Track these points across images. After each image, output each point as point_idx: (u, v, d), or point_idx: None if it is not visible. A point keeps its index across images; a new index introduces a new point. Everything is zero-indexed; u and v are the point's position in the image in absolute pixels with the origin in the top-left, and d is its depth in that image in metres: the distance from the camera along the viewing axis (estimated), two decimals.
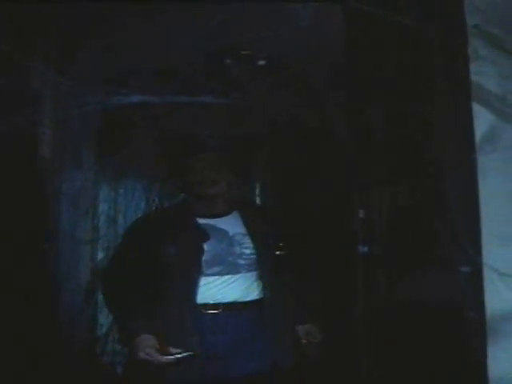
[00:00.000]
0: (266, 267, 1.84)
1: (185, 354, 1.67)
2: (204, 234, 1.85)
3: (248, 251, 1.85)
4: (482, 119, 1.14)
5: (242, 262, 1.83)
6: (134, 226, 1.99)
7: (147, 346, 1.69)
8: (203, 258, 1.82)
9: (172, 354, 1.67)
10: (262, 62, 2.40)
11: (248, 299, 1.81)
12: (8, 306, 1.75)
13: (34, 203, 2.09)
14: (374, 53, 1.43)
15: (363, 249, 1.82)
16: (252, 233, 1.88)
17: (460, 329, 1.12)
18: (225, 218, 1.91)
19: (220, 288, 1.80)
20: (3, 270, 1.75)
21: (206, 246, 1.83)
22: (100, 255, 2.71)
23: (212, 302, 1.78)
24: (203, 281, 1.80)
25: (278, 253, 1.86)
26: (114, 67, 2.34)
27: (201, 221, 1.89)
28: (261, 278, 1.83)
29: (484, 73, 1.16)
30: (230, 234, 1.87)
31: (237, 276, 1.82)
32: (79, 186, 2.61)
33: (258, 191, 3.08)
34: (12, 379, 1.66)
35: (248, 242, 1.86)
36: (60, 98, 2.28)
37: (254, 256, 1.84)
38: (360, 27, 1.44)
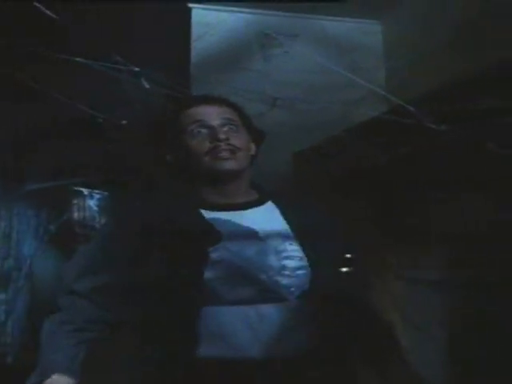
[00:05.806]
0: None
1: None
2: (211, 235, 1.13)
3: (294, 264, 1.14)
4: None
5: (284, 281, 1.12)
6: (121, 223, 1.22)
7: None
8: (208, 273, 1.09)
9: None
10: None
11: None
12: None
13: None
14: None
15: None
16: (301, 235, 1.17)
17: None
18: (251, 211, 1.21)
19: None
20: None
21: (214, 254, 1.11)
22: None
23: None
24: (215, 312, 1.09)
25: (344, 269, 1.21)
26: None
27: (209, 214, 1.17)
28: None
29: None
30: (261, 234, 1.15)
31: (280, 306, 1.10)
32: None
33: None
34: None
35: (294, 248, 1.15)
36: None
37: (304, 271, 1.14)
38: None
